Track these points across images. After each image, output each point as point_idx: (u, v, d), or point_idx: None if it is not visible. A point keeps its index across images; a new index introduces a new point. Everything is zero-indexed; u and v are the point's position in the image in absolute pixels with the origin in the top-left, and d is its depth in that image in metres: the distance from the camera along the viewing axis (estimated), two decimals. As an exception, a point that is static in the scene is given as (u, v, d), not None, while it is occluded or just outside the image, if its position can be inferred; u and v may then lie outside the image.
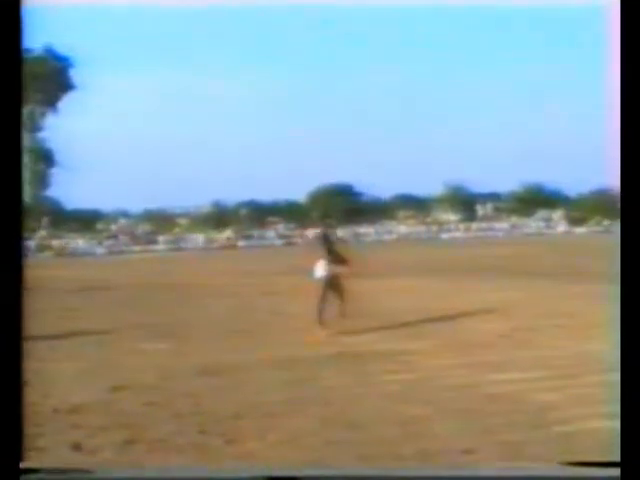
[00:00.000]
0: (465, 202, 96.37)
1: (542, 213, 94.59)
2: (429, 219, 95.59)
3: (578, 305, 13.90)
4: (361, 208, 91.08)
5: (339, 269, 11.99)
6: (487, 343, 10.40)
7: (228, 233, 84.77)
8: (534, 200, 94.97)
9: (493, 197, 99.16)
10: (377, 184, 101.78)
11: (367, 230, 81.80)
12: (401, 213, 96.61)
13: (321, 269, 11.95)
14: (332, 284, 11.90)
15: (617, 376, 7.93)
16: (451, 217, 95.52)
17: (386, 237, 74.95)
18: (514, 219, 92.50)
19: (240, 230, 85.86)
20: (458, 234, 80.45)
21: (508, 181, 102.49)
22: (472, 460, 5.34)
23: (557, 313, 12.99)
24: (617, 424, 6.11)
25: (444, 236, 79.17)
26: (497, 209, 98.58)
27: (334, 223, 14.77)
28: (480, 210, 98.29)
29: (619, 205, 3.87)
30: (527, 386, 7.63)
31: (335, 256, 12.02)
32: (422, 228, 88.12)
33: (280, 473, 4.45)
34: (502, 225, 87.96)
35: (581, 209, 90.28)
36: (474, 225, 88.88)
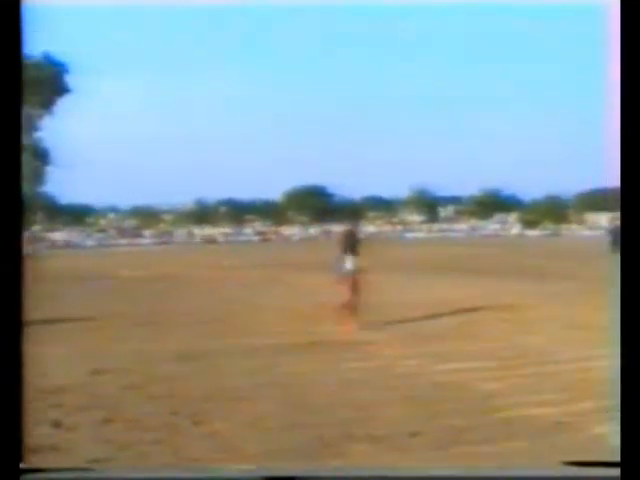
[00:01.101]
0: (428, 204, 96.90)
1: (499, 216, 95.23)
2: (395, 220, 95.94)
3: (524, 301, 14.06)
4: (333, 208, 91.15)
5: (362, 265, 12.02)
6: (439, 335, 10.50)
7: (214, 229, 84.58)
8: (492, 204, 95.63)
9: (454, 200, 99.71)
10: (349, 186, 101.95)
11: (338, 229, 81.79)
12: (370, 214, 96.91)
13: (348, 264, 11.95)
14: (354, 278, 11.92)
15: (554, 367, 8.08)
16: (415, 218, 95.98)
17: (355, 236, 74.89)
18: (473, 221, 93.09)
19: (220, 226, 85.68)
20: (421, 234, 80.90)
21: (468, 185, 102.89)
22: (416, 443, 5.42)
23: (504, 308, 13.11)
24: (552, 410, 6.25)
25: (408, 236, 79.53)
26: (457, 212, 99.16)
27: (358, 221, 14.66)
28: (442, 212, 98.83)
29: (619, 205, 3.66)
30: (472, 375, 7.72)
31: (358, 252, 12.08)
32: (389, 228, 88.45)
33: (279, 473, 4.36)
34: (461, 226, 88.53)
35: (534, 213, 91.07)
36: (436, 226, 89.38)
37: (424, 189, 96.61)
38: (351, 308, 11.69)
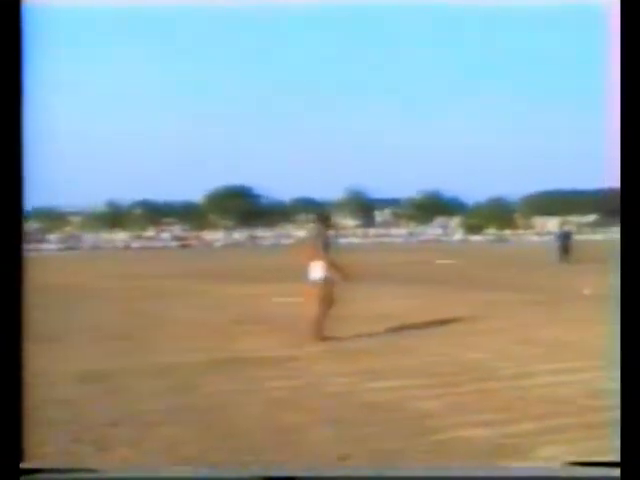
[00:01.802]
0: (364, 208, 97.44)
1: (440, 220, 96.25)
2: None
3: (467, 313, 14.22)
4: (259, 211, 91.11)
5: (335, 272, 11.76)
6: (373, 350, 10.54)
7: (127, 234, 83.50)
8: (433, 207, 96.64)
9: (392, 203, 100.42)
10: (277, 187, 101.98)
11: (265, 234, 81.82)
12: (301, 217, 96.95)
13: (320, 271, 11.65)
14: (327, 288, 11.68)
15: (497, 385, 8.19)
16: (350, 222, 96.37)
17: (284, 241, 75.01)
18: (412, 226, 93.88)
19: (134, 231, 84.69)
20: (356, 240, 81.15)
21: (407, 188, 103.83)
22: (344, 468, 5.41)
23: (445, 321, 13.24)
24: (492, 432, 6.32)
25: (342, 241, 79.73)
26: (395, 215, 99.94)
27: (330, 221, 13.91)
28: (378, 216, 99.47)
29: (618, 205, 3.92)
30: (407, 393, 7.77)
31: (330, 257, 11.80)
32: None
33: (279, 473, 4.52)
34: (400, 231, 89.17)
35: (478, 217, 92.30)
36: (372, 231, 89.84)
37: (359, 191, 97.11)
38: (319, 321, 11.55)
